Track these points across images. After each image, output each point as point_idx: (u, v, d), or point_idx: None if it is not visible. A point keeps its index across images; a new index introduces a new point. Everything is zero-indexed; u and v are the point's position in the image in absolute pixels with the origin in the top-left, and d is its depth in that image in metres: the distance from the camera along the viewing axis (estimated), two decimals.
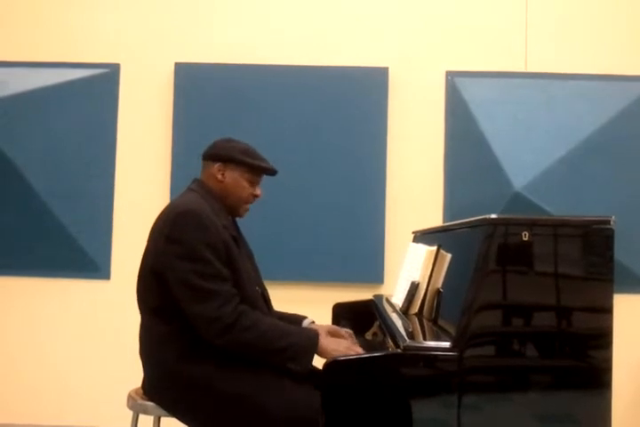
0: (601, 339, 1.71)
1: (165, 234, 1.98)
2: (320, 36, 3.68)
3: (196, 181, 2.20)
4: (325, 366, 1.69)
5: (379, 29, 3.68)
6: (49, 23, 3.72)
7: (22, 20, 3.73)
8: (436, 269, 2.16)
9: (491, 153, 3.57)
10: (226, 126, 3.52)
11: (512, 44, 3.66)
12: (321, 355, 1.94)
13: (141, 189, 3.64)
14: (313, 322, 2.32)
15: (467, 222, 1.98)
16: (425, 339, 1.82)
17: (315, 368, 1.96)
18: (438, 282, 2.14)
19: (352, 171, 3.57)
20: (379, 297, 2.87)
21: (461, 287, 1.77)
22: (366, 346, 2.22)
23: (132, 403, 2.09)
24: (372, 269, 3.54)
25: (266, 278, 2.32)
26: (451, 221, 3.26)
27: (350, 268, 3.54)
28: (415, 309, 2.19)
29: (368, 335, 2.61)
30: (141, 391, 2.10)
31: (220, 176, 2.15)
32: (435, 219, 3.54)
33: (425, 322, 2.08)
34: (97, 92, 3.67)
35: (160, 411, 2.02)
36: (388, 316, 2.19)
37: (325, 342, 1.98)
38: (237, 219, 2.28)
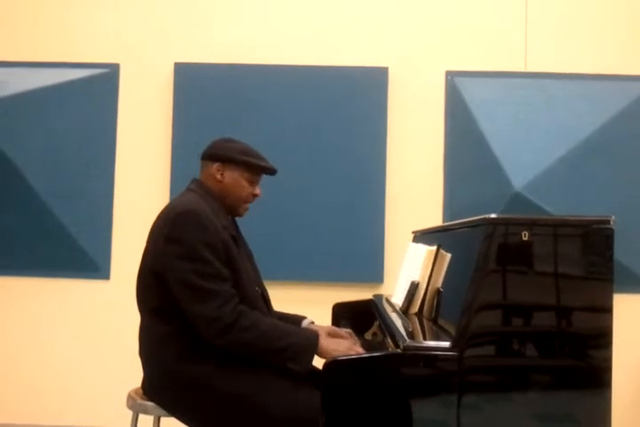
0: (601, 339, 1.71)
1: (165, 234, 1.98)
2: (320, 36, 3.68)
3: (195, 181, 2.20)
4: (325, 365, 1.69)
5: (379, 29, 3.68)
6: (49, 23, 3.72)
7: (22, 20, 3.73)
8: (435, 268, 2.17)
9: (491, 153, 3.56)
10: (226, 126, 3.51)
11: (512, 43, 3.66)
12: (321, 355, 1.94)
13: (141, 189, 3.64)
14: (312, 322, 2.32)
15: (467, 222, 1.98)
16: (425, 339, 1.82)
17: (315, 368, 1.96)
18: (438, 282, 2.14)
19: (352, 171, 3.57)
20: (378, 297, 2.87)
21: (461, 287, 1.77)
22: (366, 346, 2.22)
23: (132, 403, 2.09)
24: (372, 269, 3.54)
25: (266, 278, 2.32)
26: (450, 220, 3.26)
27: (350, 268, 3.54)
28: (415, 308, 2.19)
29: (368, 335, 2.61)
30: (141, 391, 2.10)
31: (219, 176, 2.15)
32: (434, 219, 3.54)
33: (425, 322, 2.08)
34: (97, 92, 3.67)
35: (160, 411, 2.02)
36: (388, 316, 2.19)
37: (325, 342, 1.98)
38: (237, 219, 2.28)
